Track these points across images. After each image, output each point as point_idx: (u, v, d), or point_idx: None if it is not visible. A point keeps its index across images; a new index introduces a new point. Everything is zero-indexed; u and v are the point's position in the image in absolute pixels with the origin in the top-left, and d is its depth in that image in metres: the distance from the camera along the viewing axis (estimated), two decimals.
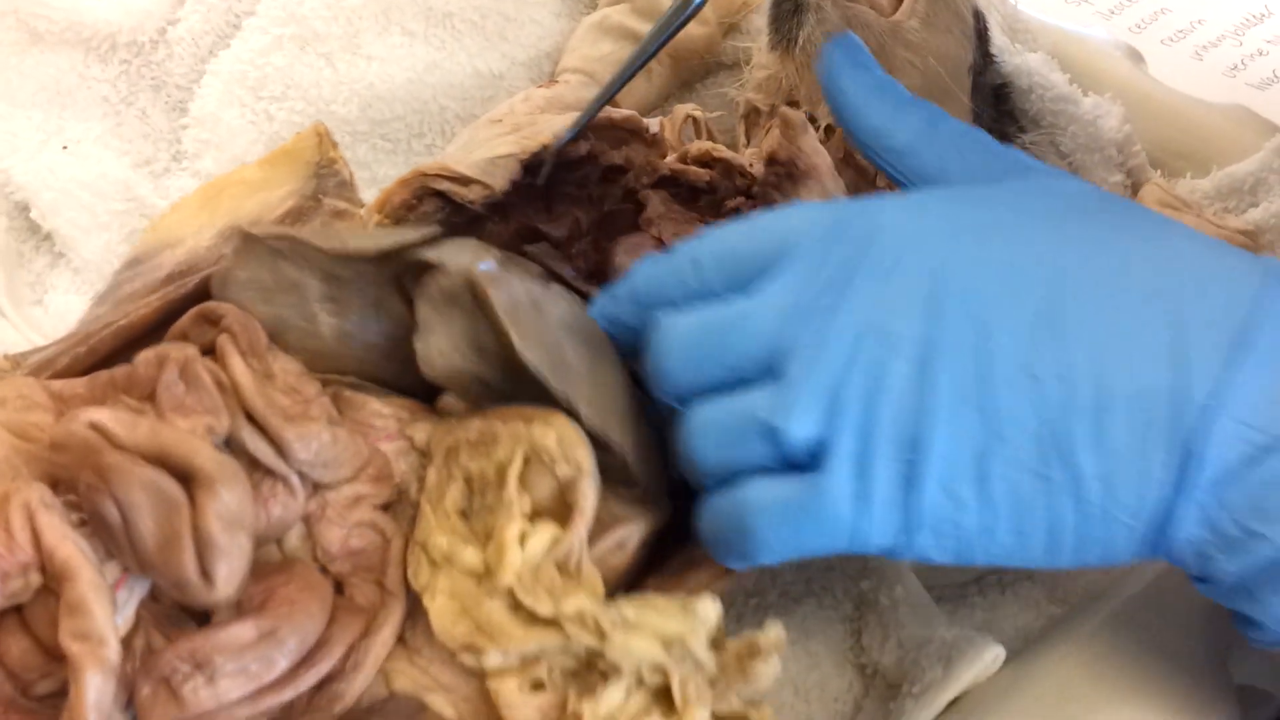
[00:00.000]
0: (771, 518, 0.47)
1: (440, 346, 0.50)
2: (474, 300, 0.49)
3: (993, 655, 0.54)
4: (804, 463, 0.47)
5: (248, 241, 0.53)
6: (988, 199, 0.51)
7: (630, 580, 0.52)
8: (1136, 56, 0.78)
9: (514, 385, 0.49)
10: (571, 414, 0.49)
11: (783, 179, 0.62)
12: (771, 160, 0.63)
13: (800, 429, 0.47)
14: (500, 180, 0.58)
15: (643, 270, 0.53)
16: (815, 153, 0.62)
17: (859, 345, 0.47)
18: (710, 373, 0.49)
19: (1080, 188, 0.53)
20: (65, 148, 0.69)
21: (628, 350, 0.53)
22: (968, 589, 0.60)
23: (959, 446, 0.46)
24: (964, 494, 0.46)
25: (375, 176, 0.72)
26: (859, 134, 0.56)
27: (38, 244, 0.69)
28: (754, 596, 0.58)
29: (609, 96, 0.60)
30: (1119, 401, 0.45)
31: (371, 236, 0.55)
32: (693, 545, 0.51)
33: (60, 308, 0.66)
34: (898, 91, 0.56)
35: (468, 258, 0.51)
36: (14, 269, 0.67)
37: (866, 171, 0.67)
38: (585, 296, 0.56)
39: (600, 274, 0.61)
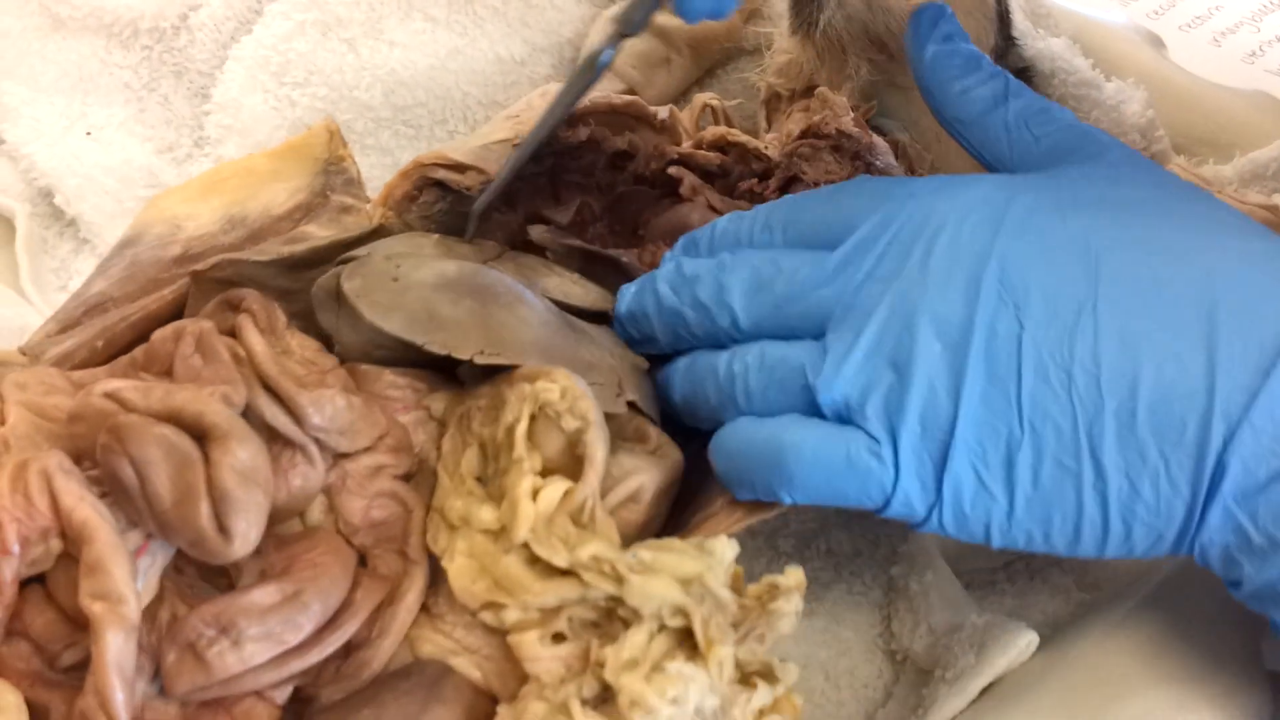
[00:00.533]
0: (807, 457, 0.48)
1: (340, 334, 0.53)
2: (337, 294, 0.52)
3: (1026, 641, 0.53)
4: (843, 419, 0.49)
5: (196, 280, 0.55)
6: (1041, 188, 0.51)
7: (647, 532, 0.52)
8: (1157, 42, 0.78)
9: (405, 349, 0.51)
10: (456, 362, 0.51)
11: (820, 151, 0.62)
12: (806, 133, 0.63)
13: (836, 391, 0.48)
14: (496, 165, 0.58)
15: (722, 223, 0.55)
16: (865, 131, 0.63)
17: (899, 321, 0.48)
18: (766, 316, 0.51)
19: (1141, 175, 0.52)
20: (89, 134, 0.70)
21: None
22: (996, 575, 0.60)
23: (989, 432, 0.46)
24: (991, 478, 0.47)
25: (398, 162, 0.72)
26: (933, 103, 0.57)
27: (61, 230, 0.69)
28: None
29: (522, 159, 0.59)
30: (1148, 404, 0.45)
31: (307, 240, 0.56)
32: (706, 499, 0.51)
33: None
34: (976, 63, 0.56)
35: (401, 246, 0.54)
36: (38, 255, 0.67)
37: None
38: (612, 262, 0.58)
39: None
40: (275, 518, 0.49)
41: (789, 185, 0.62)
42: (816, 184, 0.61)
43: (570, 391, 0.48)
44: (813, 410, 0.49)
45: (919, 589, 0.58)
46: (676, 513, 0.53)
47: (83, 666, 0.46)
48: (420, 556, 0.50)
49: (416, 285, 0.52)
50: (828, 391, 0.48)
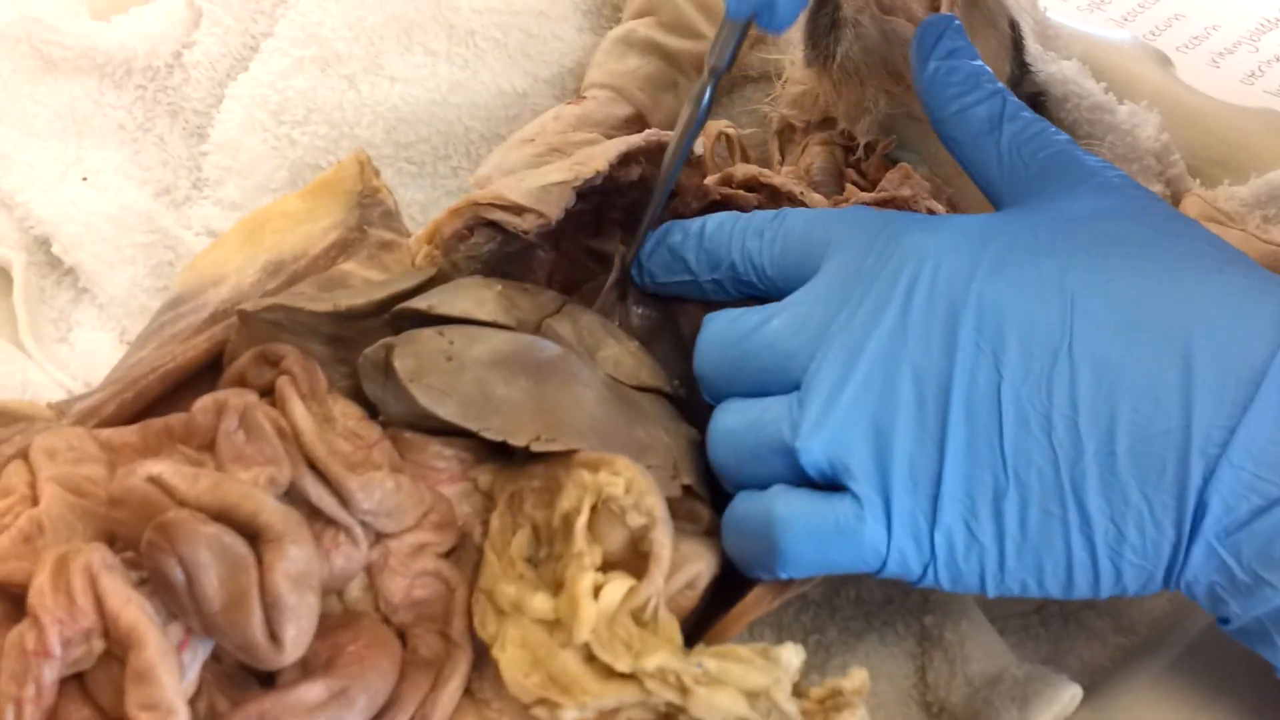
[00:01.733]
0: (797, 532, 0.48)
1: (386, 405, 0.52)
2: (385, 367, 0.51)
3: (1070, 695, 0.52)
4: (828, 480, 0.48)
5: (244, 320, 0.53)
6: (1018, 226, 0.50)
7: (699, 616, 0.51)
8: (1165, 61, 0.77)
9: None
10: (511, 445, 0.49)
11: None
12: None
13: (817, 452, 0.48)
14: (554, 208, 0.57)
15: (713, 223, 0.55)
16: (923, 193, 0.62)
17: (879, 375, 0.48)
18: (737, 377, 0.51)
19: (1127, 206, 0.51)
20: (85, 179, 0.67)
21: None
22: (1030, 620, 0.59)
23: (976, 483, 0.46)
24: (980, 529, 0.47)
25: (402, 200, 0.69)
26: (932, 120, 0.57)
27: (59, 279, 0.67)
28: (814, 633, 0.57)
29: (656, 211, 0.58)
30: (1126, 446, 0.45)
31: (363, 290, 0.55)
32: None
33: (87, 345, 0.64)
34: (976, 80, 0.56)
35: (464, 301, 0.53)
36: (36, 306, 0.65)
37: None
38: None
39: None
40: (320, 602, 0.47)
41: None
42: None
43: (636, 485, 0.47)
44: (797, 472, 0.48)
45: (954, 638, 0.57)
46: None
47: None
48: (464, 639, 0.49)
49: (471, 365, 0.51)
50: (808, 454, 0.48)
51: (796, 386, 0.49)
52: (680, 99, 0.73)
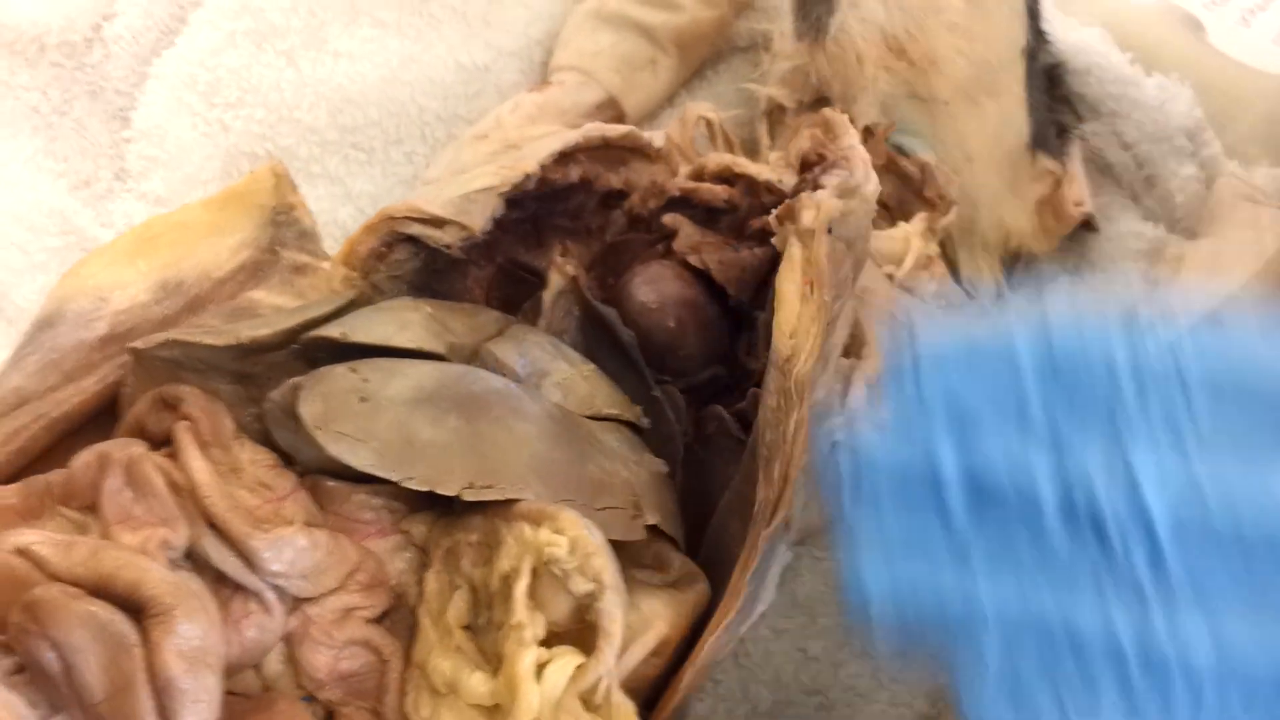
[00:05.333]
0: None
1: (300, 454, 0.46)
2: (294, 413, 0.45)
3: None
4: None
5: (138, 358, 0.48)
6: None
7: (664, 679, 0.45)
8: (1196, 25, 0.70)
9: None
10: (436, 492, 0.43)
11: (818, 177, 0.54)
12: (804, 164, 0.54)
13: None
14: (478, 219, 0.51)
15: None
16: (852, 149, 0.54)
17: None
18: None
19: None
20: None
21: None
22: None
23: None
24: None
25: (349, 192, 0.63)
26: None
27: None
28: (815, 694, 0.51)
29: None
30: None
31: (271, 319, 0.50)
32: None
33: None
34: None
35: (384, 326, 0.48)
36: None
37: (911, 180, 0.59)
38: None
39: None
40: (226, 672, 0.41)
41: None
42: None
43: (581, 545, 0.41)
44: None
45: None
46: None
47: None
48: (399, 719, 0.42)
49: (389, 404, 0.44)
50: None
51: None
52: (659, 78, 0.66)
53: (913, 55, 0.58)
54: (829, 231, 0.46)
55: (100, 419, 0.48)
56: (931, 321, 0.39)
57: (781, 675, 0.52)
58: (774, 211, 0.49)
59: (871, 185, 0.49)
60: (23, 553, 0.40)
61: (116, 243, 0.54)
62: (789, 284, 0.46)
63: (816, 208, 0.46)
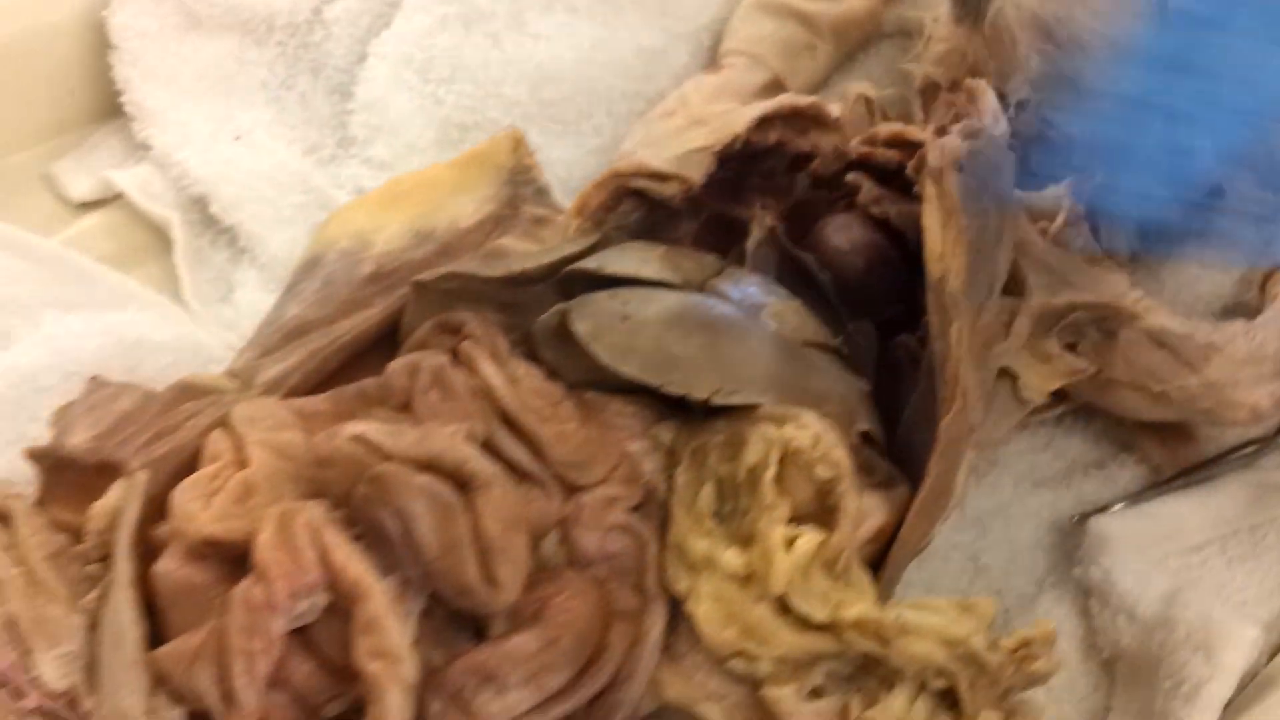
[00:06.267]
0: None
1: (563, 369, 0.53)
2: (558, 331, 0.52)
3: (1250, 638, 0.53)
4: None
5: (419, 291, 0.55)
6: None
7: (876, 565, 0.52)
8: None
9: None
10: (691, 401, 0.50)
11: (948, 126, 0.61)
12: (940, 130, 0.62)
13: None
14: (697, 174, 0.57)
15: None
16: (981, 98, 0.61)
17: None
18: None
19: None
20: (238, 138, 0.68)
21: None
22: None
23: None
24: None
25: (547, 159, 0.70)
26: None
27: (214, 238, 0.67)
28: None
29: None
30: None
31: (533, 255, 0.56)
32: None
33: (251, 305, 0.64)
34: None
35: (631, 261, 0.54)
36: (195, 266, 0.66)
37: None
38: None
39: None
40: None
41: None
42: None
43: (823, 439, 0.48)
44: None
45: (1100, 574, 0.58)
46: None
47: (346, 717, 0.46)
48: (658, 592, 0.49)
49: (646, 324, 0.52)
50: None
51: None
52: (817, 63, 0.74)
53: (1060, 38, 0.65)
54: (960, 170, 0.53)
55: (380, 344, 0.56)
56: None
57: (957, 585, 0.59)
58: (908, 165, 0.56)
59: (1000, 128, 0.56)
60: (359, 439, 0.47)
61: (369, 196, 0.61)
62: (930, 218, 0.53)
63: (941, 149, 0.53)
